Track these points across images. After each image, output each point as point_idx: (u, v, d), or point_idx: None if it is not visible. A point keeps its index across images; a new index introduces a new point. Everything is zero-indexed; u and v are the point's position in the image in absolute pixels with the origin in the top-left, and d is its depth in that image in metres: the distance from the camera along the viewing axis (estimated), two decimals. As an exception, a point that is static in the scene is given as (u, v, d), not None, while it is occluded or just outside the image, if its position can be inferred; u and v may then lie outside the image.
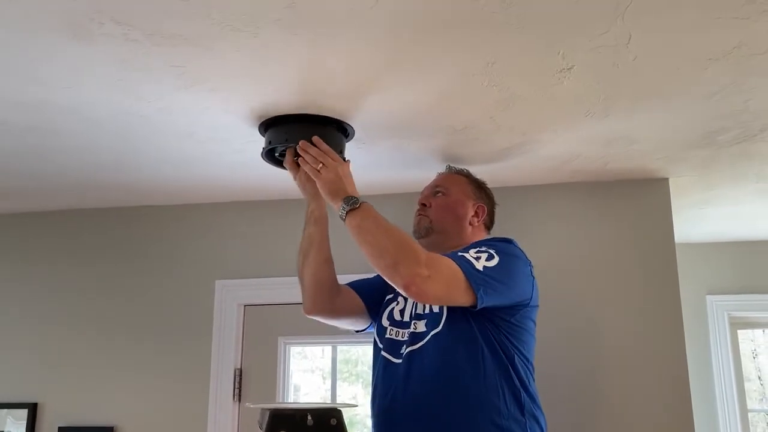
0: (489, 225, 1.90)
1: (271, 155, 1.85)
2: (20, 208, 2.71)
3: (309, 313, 1.80)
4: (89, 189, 2.44)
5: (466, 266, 1.52)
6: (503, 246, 1.67)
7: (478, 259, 1.55)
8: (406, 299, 1.75)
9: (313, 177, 1.67)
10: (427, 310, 1.67)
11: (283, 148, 1.79)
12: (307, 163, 1.67)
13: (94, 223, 2.69)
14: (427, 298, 1.52)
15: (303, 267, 1.79)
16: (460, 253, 1.57)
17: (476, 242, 1.71)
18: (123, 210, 2.67)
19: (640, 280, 2.25)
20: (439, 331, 1.61)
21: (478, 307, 1.53)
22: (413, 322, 1.68)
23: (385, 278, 1.54)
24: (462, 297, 1.52)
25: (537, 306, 1.70)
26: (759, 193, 2.46)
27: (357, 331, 1.92)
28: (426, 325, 1.65)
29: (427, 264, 1.48)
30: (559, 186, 2.35)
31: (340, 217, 1.60)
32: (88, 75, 1.55)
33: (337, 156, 1.68)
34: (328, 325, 2.40)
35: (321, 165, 1.64)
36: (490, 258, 1.57)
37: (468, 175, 1.93)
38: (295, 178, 1.80)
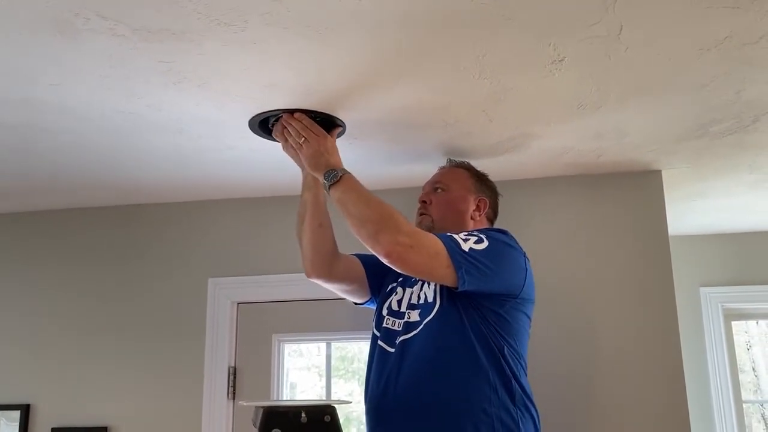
0: (492, 218, 1.90)
1: (264, 126, 1.84)
2: (10, 208, 2.69)
3: (309, 276, 1.84)
4: (79, 188, 2.42)
5: (451, 244, 1.53)
6: (496, 234, 1.67)
7: (466, 240, 1.56)
8: (404, 289, 1.76)
9: (297, 151, 1.70)
10: (421, 300, 1.68)
11: (276, 119, 1.78)
12: (291, 136, 1.69)
13: (84, 222, 2.67)
14: (407, 267, 1.53)
15: (300, 231, 1.84)
16: (449, 234, 1.59)
17: (470, 230, 1.71)
18: (114, 209, 2.65)
19: (634, 273, 2.24)
20: (431, 320, 1.62)
21: (460, 289, 1.54)
22: (408, 312, 1.69)
23: (368, 248, 1.55)
24: (443, 273, 1.52)
25: (531, 300, 1.70)
26: (752, 185, 2.46)
27: (356, 304, 1.95)
28: (420, 314, 1.66)
29: (409, 234, 1.51)
30: (552, 179, 2.35)
31: (326, 192, 1.64)
32: (75, 71, 1.53)
33: (320, 130, 1.69)
34: (322, 321, 2.42)
35: (303, 139, 1.67)
36: (479, 242, 1.58)
37: (469, 168, 1.92)
38: (284, 149, 1.80)
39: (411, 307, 1.70)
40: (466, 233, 1.62)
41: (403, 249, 1.48)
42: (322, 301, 2.28)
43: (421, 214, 1.84)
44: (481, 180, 1.90)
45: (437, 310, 1.63)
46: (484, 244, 1.58)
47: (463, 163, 1.95)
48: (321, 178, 1.65)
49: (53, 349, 2.56)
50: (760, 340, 3.79)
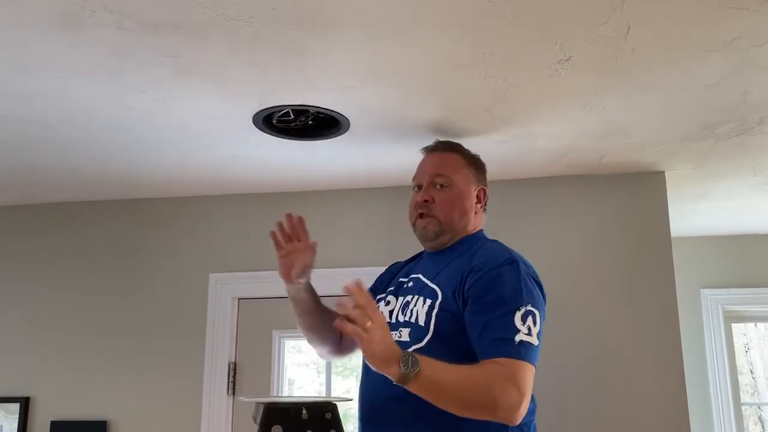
0: (486, 201, 1.74)
1: (269, 122, 1.83)
2: (10, 201, 2.68)
3: (322, 358, 1.85)
4: (81, 181, 2.42)
5: (532, 353, 1.41)
6: (531, 287, 1.49)
7: (530, 332, 1.41)
8: (396, 298, 1.64)
9: (357, 339, 1.27)
10: (412, 319, 1.54)
11: (281, 114, 1.77)
12: (351, 324, 1.28)
13: (86, 216, 2.66)
14: None
15: (301, 330, 1.77)
16: (518, 338, 1.39)
17: (521, 308, 1.45)
18: (116, 203, 2.64)
19: (636, 274, 2.24)
20: (422, 348, 1.48)
21: None
22: (400, 329, 1.56)
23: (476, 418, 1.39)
24: None
25: None
26: (755, 187, 2.46)
27: None
28: (409, 335, 1.52)
29: (518, 388, 1.35)
30: (555, 179, 2.34)
31: (397, 382, 1.30)
32: (80, 65, 1.53)
33: (375, 307, 1.33)
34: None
35: (369, 323, 1.27)
36: (534, 320, 1.43)
37: (461, 152, 1.72)
38: (286, 279, 1.68)
39: (404, 324, 1.55)
40: (521, 315, 1.41)
41: (522, 410, 1.35)
42: (322, 298, 2.27)
43: (421, 216, 1.64)
44: (477, 166, 1.72)
45: (429, 340, 1.47)
46: (538, 318, 1.44)
47: (455, 145, 1.73)
48: (394, 369, 1.28)
49: (53, 342, 2.56)
50: (758, 342, 3.80)
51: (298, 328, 1.77)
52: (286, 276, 1.66)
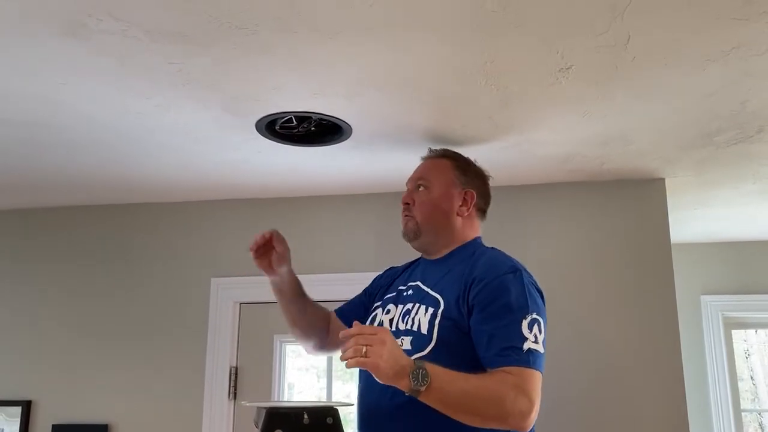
0: (484, 206, 1.74)
1: (271, 128, 1.85)
2: (13, 205, 2.70)
3: (310, 354, 1.84)
4: (84, 186, 2.43)
5: (540, 361, 1.43)
6: (535, 296, 1.51)
7: (536, 339, 1.43)
8: (396, 306, 1.64)
9: (363, 367, 1.29)
10: (414, 328, 1.54)
11: (284, 121, 1.79)
12: (347, 355, 1.30)
13: (88, 220, 2.67)
14: None
15: (288, 327, 1.80)
16: (526, 347, 1.40)
17: (525, 315, 1.46)
18: (118, 207, 2.66)
19: (636, 280, 2.25)
20: (425, 356, 1.46)
21: None
22: (402, 337, 1.54)
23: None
24: None
25: None
26: (755, 194, 2.47)
27: None
28: (411, 343, 1.52)
29: (528, 396, 1.37)
30: (556, 186, 2.36)
31: (408, 394, 1.32)
32: (85, 71, 1.54)
33: (371, 327, 1.36)
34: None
35: (364, 349, 1.27)
36: (539, 328, 1.46)
37: (451, 157, 1.74)
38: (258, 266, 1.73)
39: (405, 332, 1.54)
40: (528, 323, 1.43)
41: (532, 419, 1.37)
42: (323, 302, 2.28)
43: (405, 216, 1.69)
44: (465, 169, 1.72)
45: (432, 349, 1.47)
46: (543, 325, 1.47)
47: (446, 151, 1.76)
48: (405, 382, 1.29)
49: (55, 346, 2.57)
50: (758, 348, 3.80)
51: (288, 326, 1.79)
52: (267, 267, 1.71)
